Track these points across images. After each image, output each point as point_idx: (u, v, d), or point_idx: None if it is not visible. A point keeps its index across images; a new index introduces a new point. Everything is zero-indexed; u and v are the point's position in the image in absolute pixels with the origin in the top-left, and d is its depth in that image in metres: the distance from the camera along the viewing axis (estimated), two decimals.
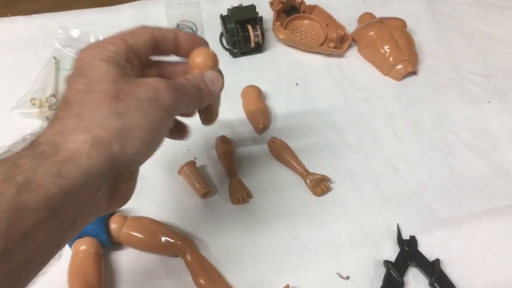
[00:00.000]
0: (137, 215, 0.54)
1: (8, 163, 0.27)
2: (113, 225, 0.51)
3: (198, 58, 0.40)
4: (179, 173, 0.58)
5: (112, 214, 0.52)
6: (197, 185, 0.56)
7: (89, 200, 0.31)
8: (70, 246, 0.50)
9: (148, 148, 0.34)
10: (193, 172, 0.57)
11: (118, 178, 0.34)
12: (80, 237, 0.49)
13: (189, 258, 0.50)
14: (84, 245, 0.49)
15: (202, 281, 0.49)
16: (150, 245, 0.51)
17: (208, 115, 0.44)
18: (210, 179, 0.59)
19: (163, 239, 0.51)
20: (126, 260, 0.52)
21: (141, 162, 0.35)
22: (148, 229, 0.51)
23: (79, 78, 0.33)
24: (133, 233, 0.51)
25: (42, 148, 0.29)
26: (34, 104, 0.64)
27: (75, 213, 0.30)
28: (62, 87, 0.68)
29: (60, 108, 0.32)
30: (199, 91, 0.38)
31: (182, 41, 0.40)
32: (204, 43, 0.42)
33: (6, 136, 0.32)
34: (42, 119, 0.63)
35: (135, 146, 0.32)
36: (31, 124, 0.63)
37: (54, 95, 0.65)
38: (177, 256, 0.52)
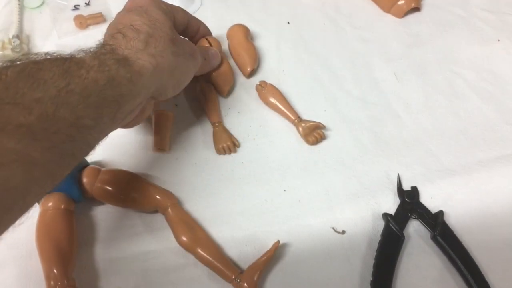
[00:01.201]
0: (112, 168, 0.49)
1: (97, 60, 0.34)
2: (85, 179, 0.47)
3: (207, 44, 0.54)
4: None
5: (84, 167, 0.47)
6: (154, 138, 0.52)
7: (136, 108, 0.38)
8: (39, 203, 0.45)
9: (178, 89, 0.45)
10: (164, 123, 0.52)
11: (147, 102, 0.42)
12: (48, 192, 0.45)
13: (170, 214, 0.46)
14: (52, 201, 0.45)
15: (184, 238, 0.45)
16: (126, 200, 0.47)
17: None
18: (192, 127, 0.55)
19: (141, 193, 0.47)
20: (101, 216, 0.48)
21: (167, 96, 0.44)
22: (124, 183, 0.47)
23: (143, 14, 0.41)
24: (107, 187, 0.46)
25: (119, 57, 0.36)
26: None
27: (126, 114, 0.37)
28: (27, 28, 0.62)
29: (129, 30, 0.39)
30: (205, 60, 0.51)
31: (201, 30, 0.54)
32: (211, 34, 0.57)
33: None
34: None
35: (173, 83, 0.43)
36: None
37: (17, 36, 0.59)
38: (156, 211, 0.48)
